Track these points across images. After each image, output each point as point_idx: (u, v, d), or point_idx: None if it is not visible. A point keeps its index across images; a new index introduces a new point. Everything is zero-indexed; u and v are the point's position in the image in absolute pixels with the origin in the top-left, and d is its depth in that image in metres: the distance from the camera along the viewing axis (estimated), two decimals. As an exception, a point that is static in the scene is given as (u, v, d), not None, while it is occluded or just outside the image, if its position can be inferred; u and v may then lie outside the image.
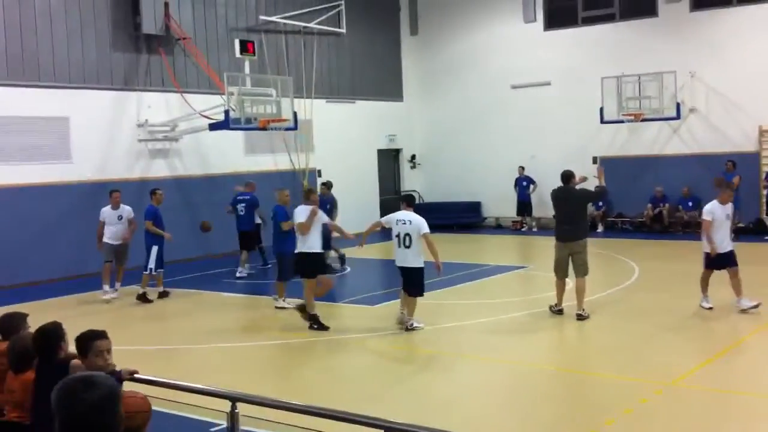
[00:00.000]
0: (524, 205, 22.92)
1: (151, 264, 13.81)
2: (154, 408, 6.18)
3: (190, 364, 9.74)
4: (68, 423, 2.45)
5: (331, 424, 4.63)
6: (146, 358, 9.71)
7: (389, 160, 25.09)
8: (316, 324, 11.14)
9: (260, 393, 5.44)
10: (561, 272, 11.52)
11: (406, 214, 10.83)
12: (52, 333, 4.96)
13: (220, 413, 4.83)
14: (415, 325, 10.93)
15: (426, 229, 10.66)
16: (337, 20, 22.52)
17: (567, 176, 11.78)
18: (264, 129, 17.09)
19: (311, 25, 21.65)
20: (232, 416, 4.71)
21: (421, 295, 10.97)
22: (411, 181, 25.45)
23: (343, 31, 22.62)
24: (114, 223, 14.14)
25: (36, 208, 16.01)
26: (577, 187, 11.82)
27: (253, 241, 16.27)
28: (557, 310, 11.53)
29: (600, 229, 21.99)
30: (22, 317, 5.51)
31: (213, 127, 17.07)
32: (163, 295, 14.06)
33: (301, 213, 11.37)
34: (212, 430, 5.76)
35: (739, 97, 20.19)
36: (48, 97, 16.33)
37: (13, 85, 15.86)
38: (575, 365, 9.04)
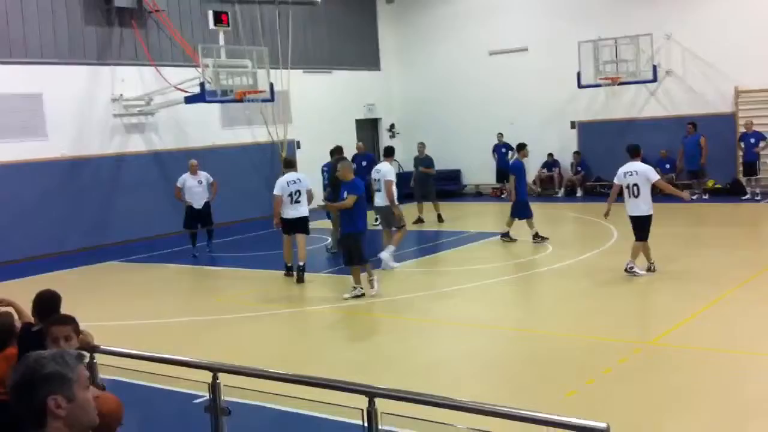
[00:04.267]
0: (503, 172, 22.96)
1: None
2: (136, 381, 6.22)
3: (172, 337, 9.76)
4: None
5: (314, 392, 4.67)
6: (128, 333, 9.72)
7: (368, 129, 24.99)
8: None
9: (242, 363, 5.47)
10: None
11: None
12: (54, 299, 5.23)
13: (202, 384, 4.84)
14: (636, 271, 11.26)
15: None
16: (311, -11, 22.28)
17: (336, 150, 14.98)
18: (240, 101, 16.96)
19: (286, -6, 21.42)
20: (214, 387, 4.74)
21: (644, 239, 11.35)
22: (390, 150, 25.38)
23: (318, 0, 22.39)
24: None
25: (12, 186, 15.84)
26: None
27: None
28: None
29: (579, 193, 22.14)
30: None
31: (189, 100, 16.93)
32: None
33: None
34: (196, 401, 5.78)
35: (715, 59, 20.24)
36: (20, 73, 16.09)
37: (-17, 62, 15.63)
38: (555, 328, 9.14)
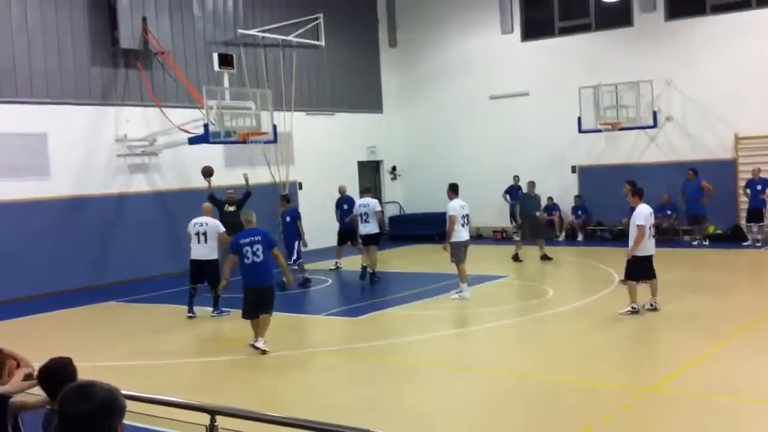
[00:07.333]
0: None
1: None
2: (133, 423, 6.16)
3: (169, 379, 9.69)
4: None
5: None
6: (126, 374, 9.66)
7: (370, 171, 25.11)
8: None
9: (238, 405, 5.43)
10: None
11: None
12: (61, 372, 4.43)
13: (200, 427, 4.80)
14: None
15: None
16: (315, 33, 22.58)
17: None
18: (244, 142, 17.08)
19: (290, 38, 21.69)
20: (212, 430, 4.70)
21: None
22: (392, 192, 25.50)
23: (322, 43, 22.68)
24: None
25: (14, 225, 15.84)
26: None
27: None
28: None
29: (580, 237, 22.15)
30: None
31: (192, 140, 17.04)
32: None
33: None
34: (192, 444, 5.72)
35: (714, 105, 20.41)
36: (25, 112, 16.22)
37: (-11, 101, 15.77)
38: (554, 373, 9.08)
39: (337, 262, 18.39)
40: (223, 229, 13.55)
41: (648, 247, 11.86)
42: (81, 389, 2.59)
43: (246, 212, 11.40)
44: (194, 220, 13.48)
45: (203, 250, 13.26)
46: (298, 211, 16.94)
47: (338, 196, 18.72)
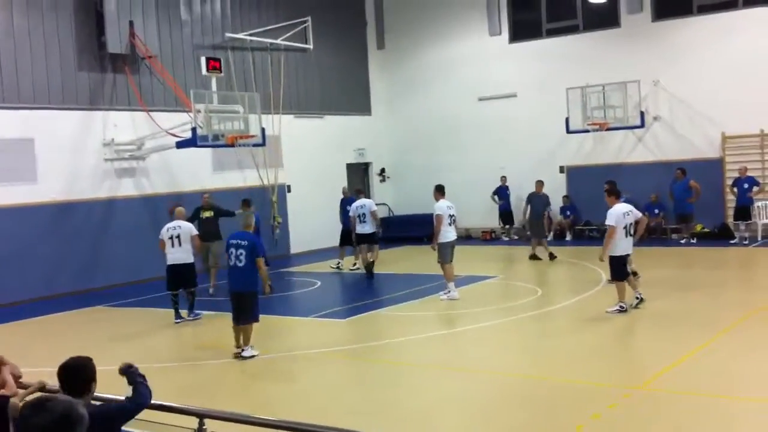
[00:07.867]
0: (508, 215, 23.05)
1: None
2: (122, 427, 6.14)
3: (159, 383, 9.65)
4: None
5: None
6: (115, 378, 9.62)
7: (359, 173, 25.12)
8: None
9: (228, 409, 5.43)
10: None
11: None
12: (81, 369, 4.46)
13: (188, 431, 4.80)
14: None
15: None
16: (303, 36, 22.58)
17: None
18: (232, 146, 17.04)
19: (278, 41, 21.68)
20: (200, 433, 4.70)
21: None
22: (381, 194, 25.48)
23: (310, 46, 22.67)
24: None
25: (1, 231, 15.79)
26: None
27: None
28: None
29: (568, 237, 22.21)
30: None
31: (180, 144, 16.98)
32: None
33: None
34: (181, 448, 5.71)
35: (701, 105, 20.52)
36: (12, 118, 16.16)
37: (-24, 106, 15.70)
38: (544, 372, 9.11)
39: (339, 263, 18.49)
40: (196, 232, 13.61)
41: (626, 245, 11.97)
42: (40, 402, 2.75)
43: (248, 215, 11.42)
44: (167, 225, 13.47)
45: (179, 254, 13.27)
46: (256, 217, 16.31)
47: (341, 196, 19.26)
